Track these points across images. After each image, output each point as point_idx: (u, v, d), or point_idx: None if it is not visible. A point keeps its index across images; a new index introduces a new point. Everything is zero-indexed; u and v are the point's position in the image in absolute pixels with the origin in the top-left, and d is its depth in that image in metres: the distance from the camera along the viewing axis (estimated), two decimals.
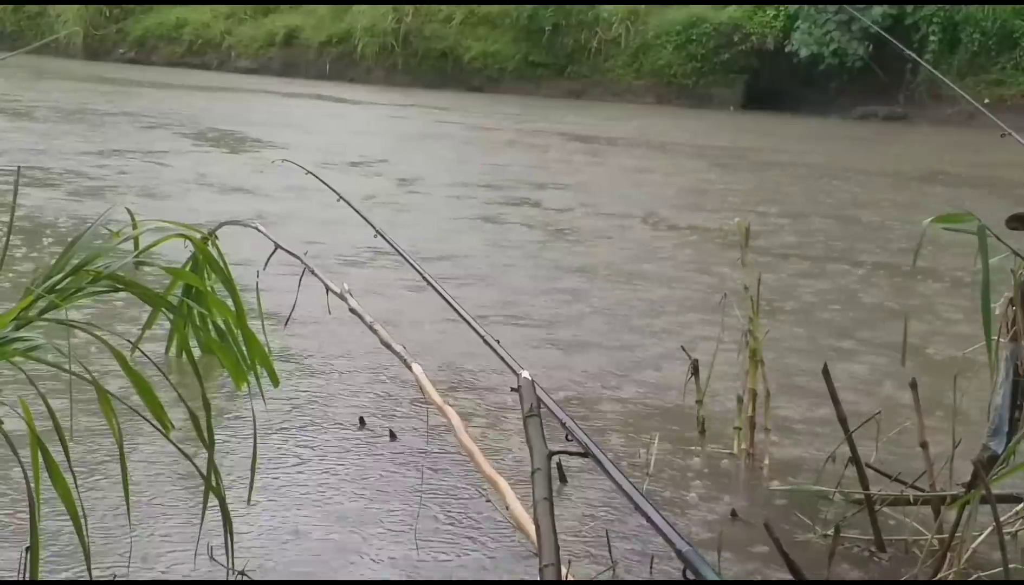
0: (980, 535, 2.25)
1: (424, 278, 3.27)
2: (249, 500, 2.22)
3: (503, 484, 2.45)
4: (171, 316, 2.92)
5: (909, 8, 19.36)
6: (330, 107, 16.79)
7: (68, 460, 1.82)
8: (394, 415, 3.26)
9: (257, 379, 2.62)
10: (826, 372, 2.62)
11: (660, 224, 7.38)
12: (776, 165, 11.75)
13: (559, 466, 2.77)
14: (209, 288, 2.84)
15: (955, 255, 5.56)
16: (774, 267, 5.37)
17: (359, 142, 11.63)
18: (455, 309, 2.98)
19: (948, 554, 2.22)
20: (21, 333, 1.85)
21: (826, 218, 7.94)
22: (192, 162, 9.20)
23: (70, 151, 9.30)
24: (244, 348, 2.71)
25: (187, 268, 3.27)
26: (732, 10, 20.90)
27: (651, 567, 2.35)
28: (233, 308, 2.77)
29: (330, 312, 3.59)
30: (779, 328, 4.34)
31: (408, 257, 3.44)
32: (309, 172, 4.06)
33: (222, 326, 3.02)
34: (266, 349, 2.96)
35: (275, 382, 2.96)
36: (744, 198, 8.89)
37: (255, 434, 2.20)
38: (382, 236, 3.57)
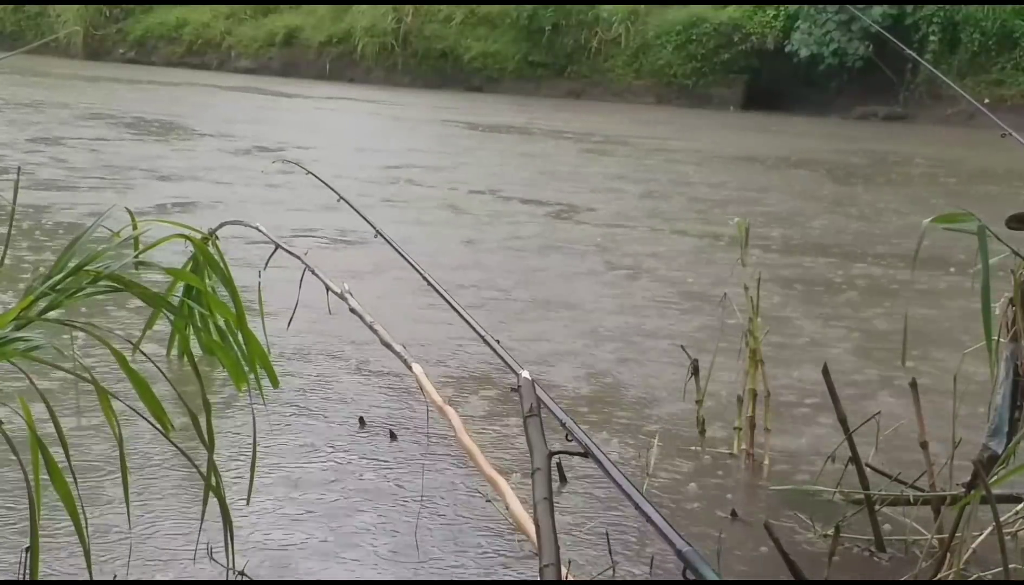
0: (980, 535, 2.25)
1: (422, 276, 3.27)
2: (248, 500, 2.22)
3: (503, 484, 2.45)
4: (171, 316, 2.92)
5: (909, 8, 19.37)
6: (276, 101, 17.39)
7: (68, 460, 1.82)
8: (394, 415, 3.26)
9: (257, 380, 2.62)
10: (826, 372, 2.62)
11: (502, 197, 8.38)
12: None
13: (559, 466, 2.77)
14: (209, 288, 2.83)
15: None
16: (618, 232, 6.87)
17: (280, 131, 12.58)
18: (453, 307, 2.98)
19: (948, 554, 2.22)
20: (21, 333, 1.85)
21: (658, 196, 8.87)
22: (127, 149, 10.00)
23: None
24: (244, 348, 2.71)
25: (187, 268, 3.27)
26: (732, 10, 20.90)
27: (651, 567, 2.35)
28: (233, 308, 2.77)
29: (330, 312, 3.59)
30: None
31: (406, 255, 3.44)
32: (309, 172, 4.07)
33: (223, 327, 3.03)
34: (266, 350, 2.96)
35: (274, 383, 2.97)
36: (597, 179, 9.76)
37: (255, 435, 2.20)
38: (381, 235, 3.56)
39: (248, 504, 2.28)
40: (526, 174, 9.98)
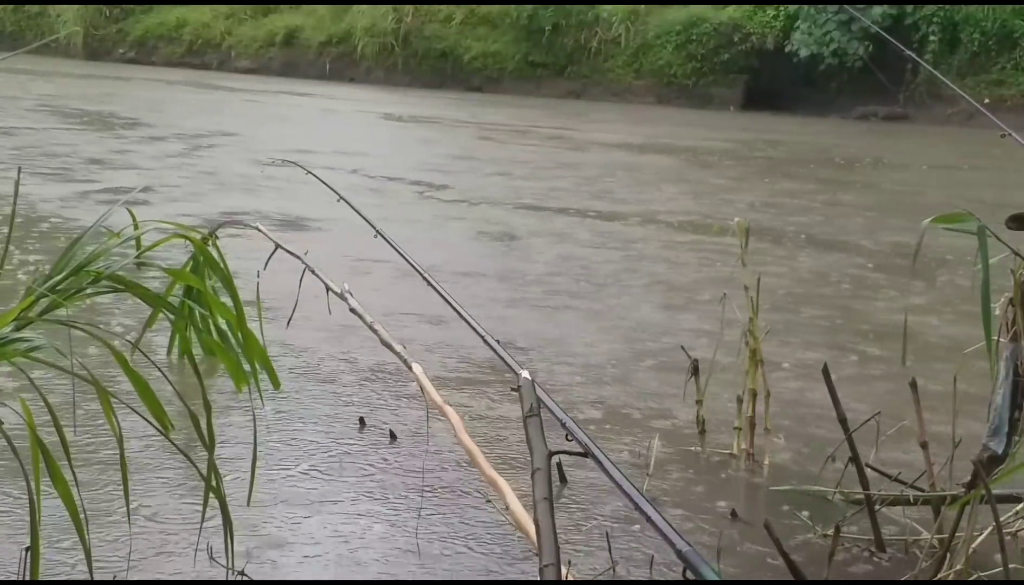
0: (980, 535, 2.25)
1: (424, 278, 3.27)
2: (249, 501, 2.22)
3: (503, 484, 2.45)
4: (172, 317, 2.92)
5: (909, 8, 19.37)
6: (224, 95, 18.29)
7: (69, 460, 1.82)
8: (394, 415, 3.26)
9: (256, 381, 2.62)
10: (826, 371, 2.62)
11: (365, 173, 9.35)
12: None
13: (559, 466, 2.77)
14: (210, 289, 2.83)
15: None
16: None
17: (208, 121, 13.39)
18: (453, 307, 2.98)
19: (948, 554, 2.22)
20: (22, 333, 1.85)
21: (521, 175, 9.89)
22: (68, 138, 10.72)
23: None
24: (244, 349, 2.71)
25: (187, 268, 3.27)
26: (732, 10, 20.90)
27: (651, 567, 2.35)
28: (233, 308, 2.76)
29: (330, 312, 3.59)
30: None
31: (407, 256, 3.44)
32: (309, 172, 4.06)
33: (223, 327, 3.02)
34: (265, 349, 2.96)
35: (275, 384, 2.97)
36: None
37: (255, 435, 2.20)
38: (383, 237, 3.56)
39: (248, 505, 2.28)
40: (413, 158, 10.96)
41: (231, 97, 17.94)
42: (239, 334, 2.83)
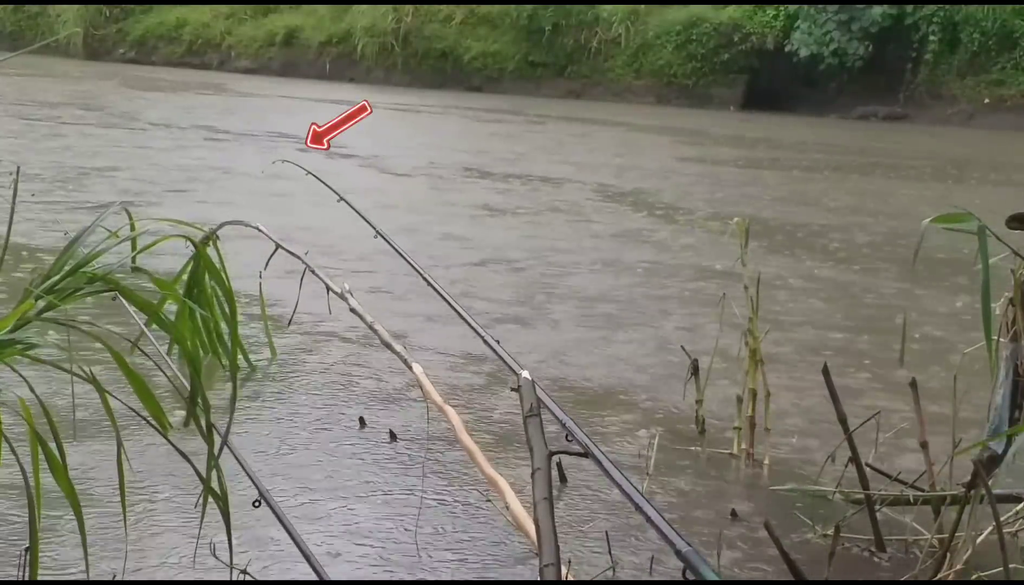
0: (980, 535, 2.25)
1: (422, 276, 3.27)
2: (253, 503, 2.21)
3: (503, 484, 2.45)
4: (165, 328, 2.91)
5: (909, 8, 19.37)
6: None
7: (64, 460, 1.81)
8: (394, 415, 3.26)
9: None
10: (826, 371, 2.62)
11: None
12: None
13: (559, 466, 2.77)
14: (209, 288, 2.84)
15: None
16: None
17: (173, 113, 14.38)
18: (455, 310, 2.97)
19: (948, 554, 2.22)
20: (20, 334, 1.85)
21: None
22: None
23: None
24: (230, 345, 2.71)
25: (187, 268, 3.27)
26: (732, 10, 20.92)
27: (651, 567, 2.35)
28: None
29: (330, 312, 3.59)
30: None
31: (406, 256, 3.44)
32: (309, 173, 4.06)
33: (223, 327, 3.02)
34: (267, 349, 2.96)
35: (273, 354, 2.96)
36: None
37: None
38: (383, 237, 3.56)
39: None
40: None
41: (192, 92, 18.50)
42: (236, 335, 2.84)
